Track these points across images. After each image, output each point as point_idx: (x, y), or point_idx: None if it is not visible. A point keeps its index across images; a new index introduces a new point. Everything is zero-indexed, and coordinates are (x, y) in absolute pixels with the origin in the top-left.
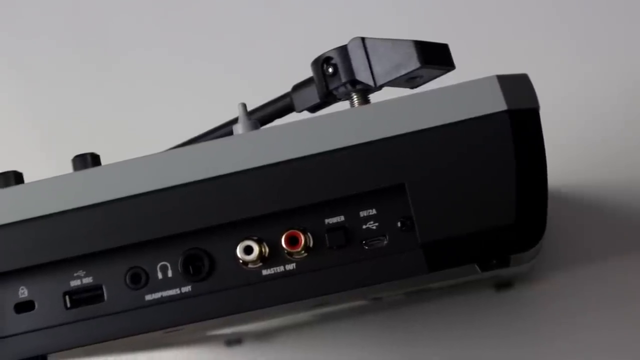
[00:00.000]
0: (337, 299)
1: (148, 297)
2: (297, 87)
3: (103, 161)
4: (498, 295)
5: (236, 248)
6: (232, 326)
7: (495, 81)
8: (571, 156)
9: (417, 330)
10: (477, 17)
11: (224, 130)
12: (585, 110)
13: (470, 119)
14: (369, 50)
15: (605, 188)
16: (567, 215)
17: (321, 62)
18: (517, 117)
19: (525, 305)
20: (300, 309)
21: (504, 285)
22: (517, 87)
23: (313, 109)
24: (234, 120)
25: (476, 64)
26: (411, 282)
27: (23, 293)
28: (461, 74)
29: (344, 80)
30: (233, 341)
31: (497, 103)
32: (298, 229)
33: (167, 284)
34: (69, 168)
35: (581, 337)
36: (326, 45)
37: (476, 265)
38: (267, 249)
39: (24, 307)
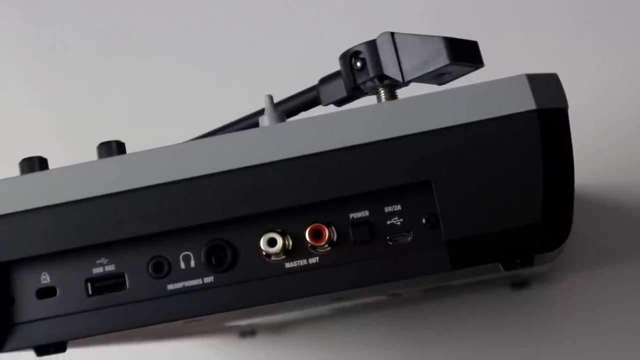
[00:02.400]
0: (357, 293)
1: (170, 287)
2: (324, 80)
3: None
4: (514, 294)
5: (260, 240)
6: (250, 318)
7: (525, 80)
8: (592, 156)
9: (433, 326)
10: (503, 16)
11: (250, 121)
12: (603, 110)
13: (499, 117)
14: (398, 45)
15: (627, 189)
16: (586, 215)
17: (349, 56)
18: (546, 117)
19: (541, 305)
20: (320, 303)
21: (520, 284)
22: (547, 86)
23: (339, 102)
24: (260, 112)
25: (500, 62)
26: (432, 279)
27: (45, 279)
28: (488, 72)
29: (372, 74)
30: (247, 332)
31: (526, 102)
32: (322, 223)
33: (189, 274)
34: (88, 155)
35: (596, 339)
36: (354, 38)
37: (500, 264)
38: (290, 242)
39: (45, 292)
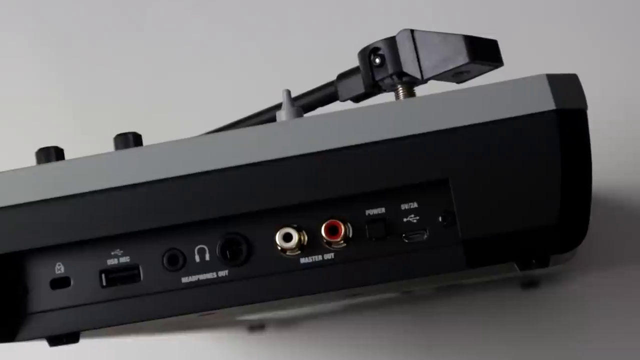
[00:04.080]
0: (371, 290)
1: (184, 280)
2: (342, 76)
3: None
4: (524, 293)
5: (275, 235)
6: (262, 312)
7: (545, 80)
8: (605, 157)
9: (444, 324)
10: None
11: (267, 115)
12: (618, 111)
13: (518, 117)
14: (417, 42)
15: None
16: (599, 217)
17: (368, 52)
18: (565, 117)
19: (551, 305)
20: (333, 299)
21: (530, 284)
22: (566, 86)
23: (357, 98)
24: (277, 106)
25: (518, 62)
26: (446, 277)
27: (59, 269)
28: (507, 71)
29: (390, 71)
30: (256, 327)
31: (545, 102)
32: (338, 219)
33: (204, 267)
34: (102, 147)
35: (606, 340)
36: (373, 35)
37: (515, 264)
38: (306, 237)
39: (59, 283)
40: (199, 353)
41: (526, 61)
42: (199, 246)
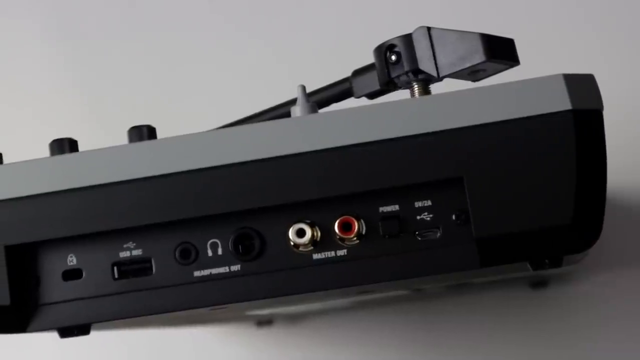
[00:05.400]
0: (382, 287)
1: (196, 274)
2: (357, 73)
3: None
4: (533, 293)
5: (288, 230)
6: (272, 308)
7: (562, 80)
8: (622, 158)
9: (453, 322)
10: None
11: (281, 110)
12: (628, 111)
13: (534, 117)
14: (434, 40)
15: None
16: (609, 216)
17: (384, 49)
18: (581, 118)
19: (560, 305)
20: (344, 295)
21: (539, 283)
22: (583, 87)
23: (372, 95)
24: (292, 102)
25: (533, 61)
26: (458, 275)
27: (72, 261)
28: (522, 70)
29: (406, 68)
30: (264, 322)
31: (561, 102)
32: (352, 216)
33: (216, 261)
34: (113, 139)
35: (615, 341)
36: (388, 32)
37: (528, 264)
38: (319, 233)
39: (71, 274)
40: (207, 347)
41: (540, 61)
42: (211, 240)
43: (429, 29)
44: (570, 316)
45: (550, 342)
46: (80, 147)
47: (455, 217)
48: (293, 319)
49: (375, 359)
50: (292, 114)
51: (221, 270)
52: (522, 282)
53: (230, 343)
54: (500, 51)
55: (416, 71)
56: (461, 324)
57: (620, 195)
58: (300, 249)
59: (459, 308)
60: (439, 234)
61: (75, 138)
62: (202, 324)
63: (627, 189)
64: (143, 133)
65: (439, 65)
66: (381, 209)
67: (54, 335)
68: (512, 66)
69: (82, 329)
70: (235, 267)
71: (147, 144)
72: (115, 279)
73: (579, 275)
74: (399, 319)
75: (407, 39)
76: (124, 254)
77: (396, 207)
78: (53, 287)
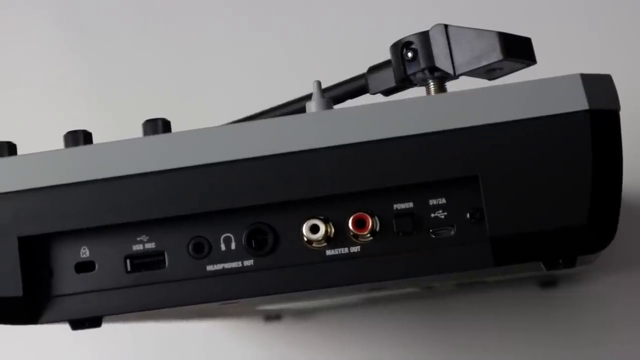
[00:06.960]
0: (393, 284)
1: (209, 268)
2: (373, 69)
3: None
4: (542, 292)
5: (302, 226)
6: (284, 303)
7: (579, 79)
8: (635, 159)
9: (462, 320)
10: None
11: (296, 105)
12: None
13: (550, 116)
14: (451, 38)
15: None
16: (622, 217)
17: (401, 46)
18: (598, 118)
19: (570, 305)
20: (355, 292)
21: (549, 283)
22: (600, 87)
23: (387, 92)
24: (307, 97)
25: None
26: (471, 274)
27: (84, 253)
28: (539, 70)
29: (423, 66)
30: (272, 317)
31: (578, 102)
32: (366, 212)
33: (229, 256)
34: (131, 131)
35: (625, 341)
36: (404, 29)
37: (542, 264)
38: (332, 230)
39: (84, 267)
40: (215, 341)
41: (558, 60)
42: (225, 235)
43: (446, 26)
44: (580, 316)
45: (559, 342)
46: (95, 140)
47: (470, 215)
48: (301, 314)
49: (383, 356)
50: (307, 110)
51: (234, 265)
52: (532, 281)
53: (239, 338)
54: (517, 50)
55: (432, 69)
56: (470, 323)
57: (632, 195)
58: (314, 245)
59: (468, 306)
60: (453, 232)
61: (89, 130)
62: (211, 318)
63: (638, 188)
64: (158, 126)
65: (455, 63)
66: (395, 206)
67: (66, 327)
68: (529, 65)
69: (93, 322)
70: (249, 262)
71: (161, 137)
72: (127, 272)
73: (589, 275)
74: (409, 316)
75: (424, 36)
76: (137, 247)
77: (410, 205)
78: (66, 279)
